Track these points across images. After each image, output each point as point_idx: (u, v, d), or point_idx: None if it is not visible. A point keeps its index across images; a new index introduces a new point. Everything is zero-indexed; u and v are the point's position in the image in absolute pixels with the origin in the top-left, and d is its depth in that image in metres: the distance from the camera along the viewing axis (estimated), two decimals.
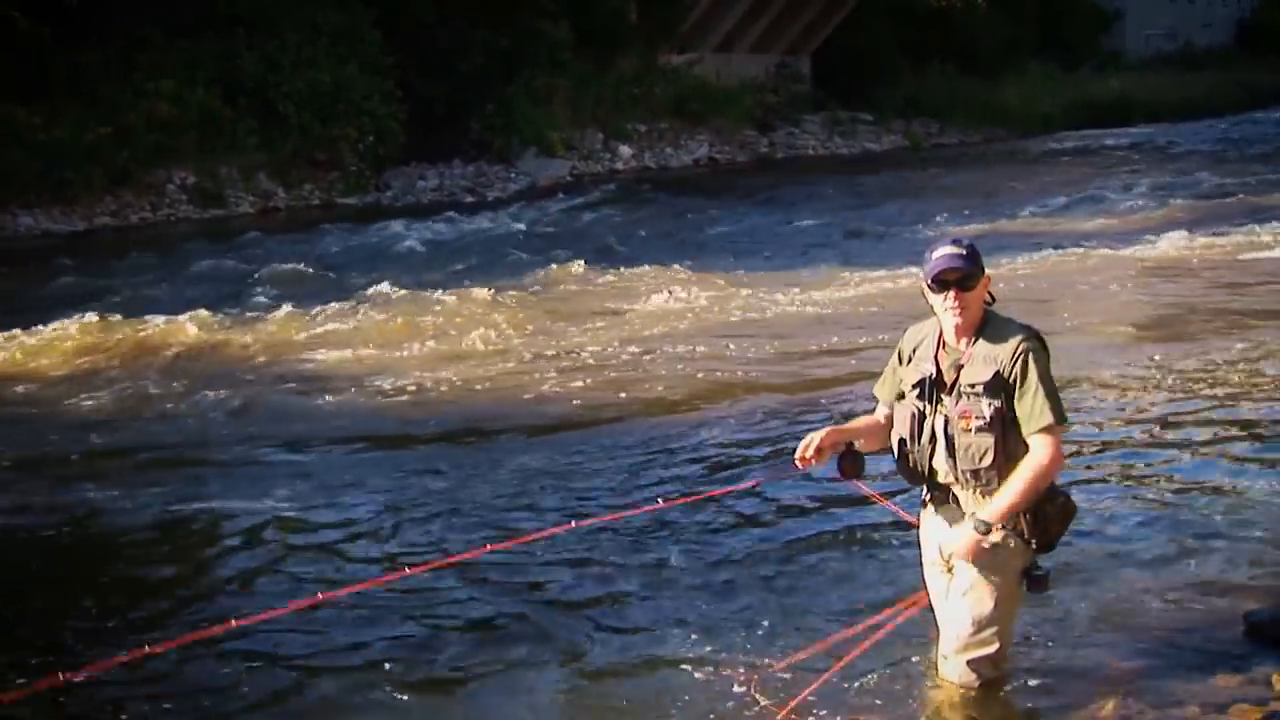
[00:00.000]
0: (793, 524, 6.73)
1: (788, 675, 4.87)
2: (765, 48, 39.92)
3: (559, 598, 5.93)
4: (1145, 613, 5.41)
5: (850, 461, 4.54)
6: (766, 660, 5.02)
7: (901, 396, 4.49)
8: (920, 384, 4.40)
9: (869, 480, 4.86)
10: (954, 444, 4.33)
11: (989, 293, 4.37)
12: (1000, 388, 4.24)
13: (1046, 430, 4.20)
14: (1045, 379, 4.22)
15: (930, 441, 4.39)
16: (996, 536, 4.29)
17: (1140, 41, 57.21)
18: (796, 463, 4.48)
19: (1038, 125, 40.19)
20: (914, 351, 4.48)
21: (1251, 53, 56.16)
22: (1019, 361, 4.22)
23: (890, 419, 4.57)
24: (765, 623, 5.44)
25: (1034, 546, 4.38)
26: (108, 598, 6.17)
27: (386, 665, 5.29)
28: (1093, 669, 4.88)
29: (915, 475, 4.48)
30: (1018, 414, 4.23)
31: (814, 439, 4.45)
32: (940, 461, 4.39)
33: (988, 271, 4.38)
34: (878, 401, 4.66)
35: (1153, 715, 4.49)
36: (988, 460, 4.28)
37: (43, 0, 23.60)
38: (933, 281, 4.31)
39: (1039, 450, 4.21)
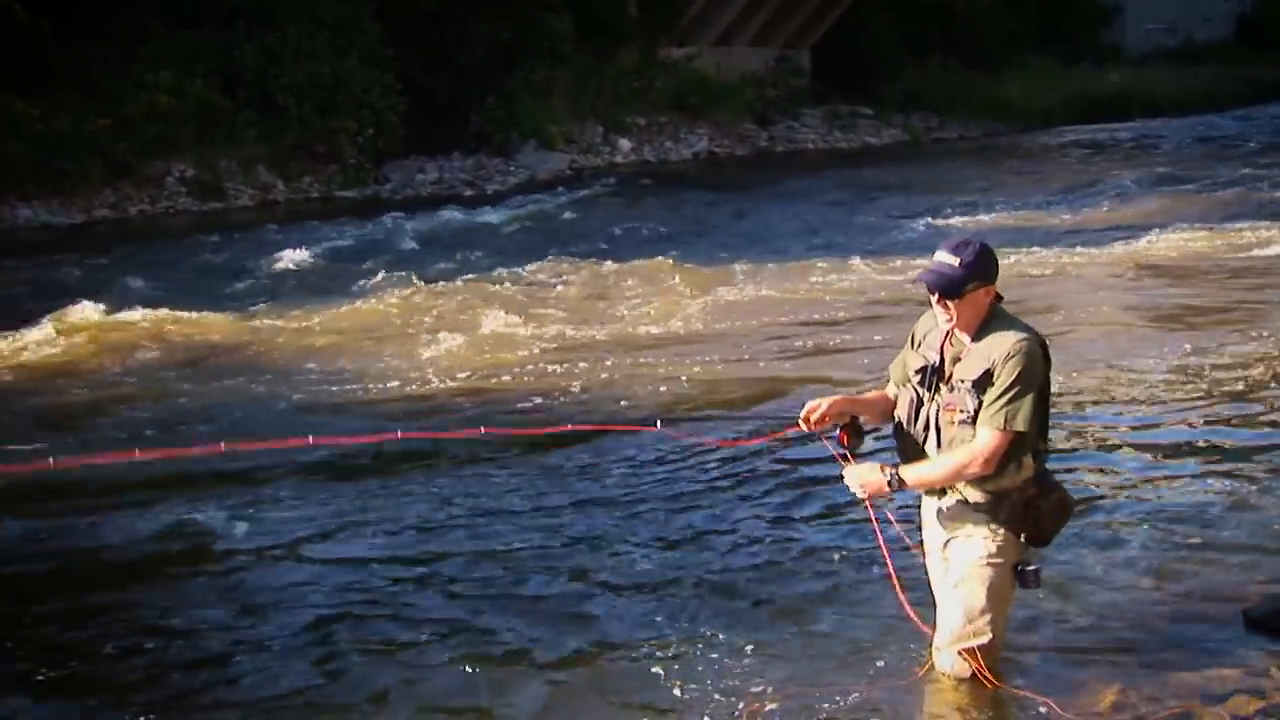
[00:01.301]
0: (794, 538, 6.67)
1: (779, 676, 4.88)
2: (765, 41, 39.87)
3: (538, 601, 5.92)
4: (1144, 607, 5.42)
5: (850, 432, 4.58)
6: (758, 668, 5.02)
7: (909, 379, 4.53)
8: (923, 371, 4.44)
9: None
10: (942, 436, 4.37)
11: (997, 291, 4.38)
12: (988, 385, 4.26)
13: (995, 431, 4.22)
14: (1022, 383, 4.22)
15: (924, 429, 4.43)
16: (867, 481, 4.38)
17: (1140, 36, 57.14)
18: (800, 424, 4.52)
19: (1037, 119, 40.13)
20: (924, 337, 4.52)
21: (1252, 47, 56.05)
22: (1008, 362, 4.23)
23: (898, 398, 4.61)
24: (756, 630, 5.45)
25: (1025, 540, 4.40)
26: (99, 606, 6.18)
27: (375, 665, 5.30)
28: (1092, 661, 4.89)
29: (909, 459, 4.52)
30: (982, 404, 4.25)
31: (821, 404, 4.51)
32: (932, 450, 4.43)
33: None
34: (890, 379, 4.69)
35: (1151, 707, 4.51)
36: None
37: None
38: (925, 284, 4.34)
39: (978, 443, 4.26)
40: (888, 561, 4.74)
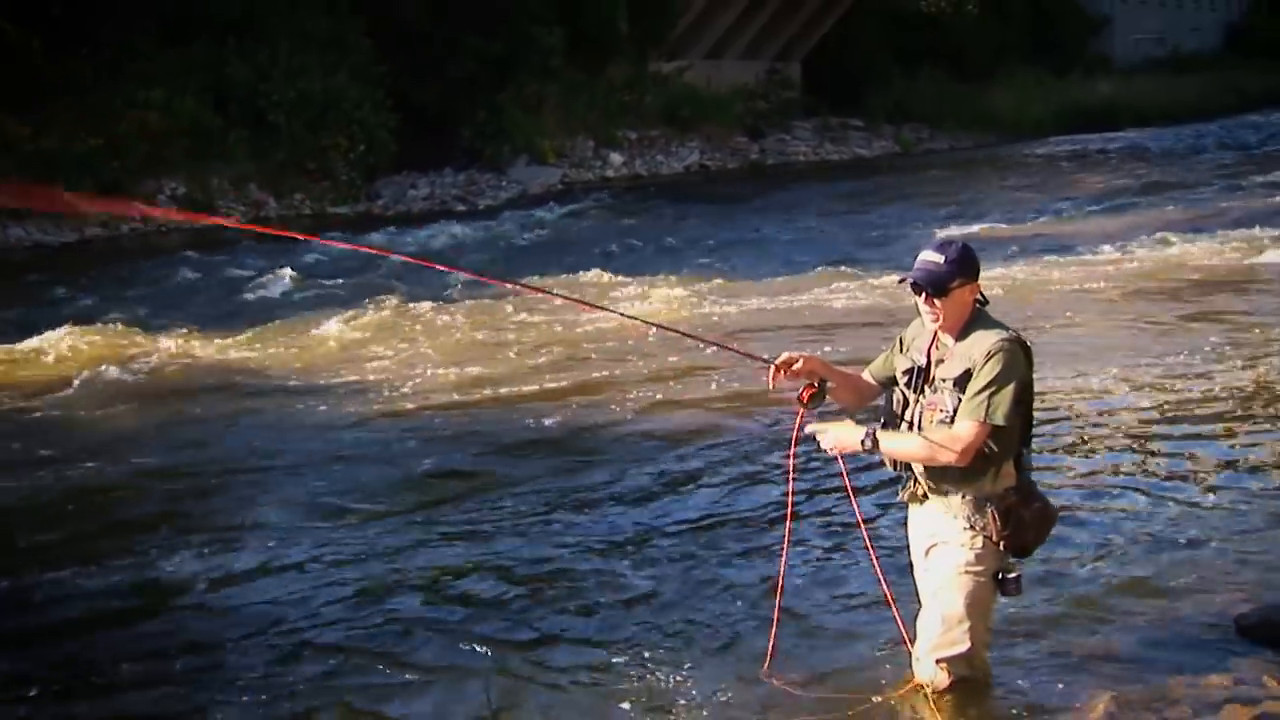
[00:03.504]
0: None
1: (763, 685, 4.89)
2: (756, 54, 39.98)
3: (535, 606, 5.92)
4: (1137, 614, 5.43)
5: (814, 392, 4.61)
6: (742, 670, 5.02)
7: (894, 381, 4.58)
8: (909, 372, 4.50)
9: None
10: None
11: (980, 294, 4.42)
12: (968, 383, 4.30)
13: (974, 421, 4.25)
14: (1001, 379, 4.25)
15: (909, 430, 4.48)
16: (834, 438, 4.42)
17: (1129, 46, 57.29)
18: (772, 369, 4.58)
19: (1028, 130, 40.29)
20: (912, 341, 4.57)
21: (1241, 56, 56.30)
22: (989, 359, 4.27)
23: (868, 385, 4.70)
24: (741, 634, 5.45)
25: (1004, 549, 4.41)
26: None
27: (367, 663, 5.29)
28: (1084, 670, 4.89)
29: (894, 463, 4.58)
30: (961, 399, 4.30)
31: (797, 357, 4.57)
32: None
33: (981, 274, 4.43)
34: (868, 368, 4.76)
35: (1144, 716, 4.51)
36: None
37: (32, 9, 23.57)
38: (911, 283, 4.37)
39: (957, 430, 4.29)
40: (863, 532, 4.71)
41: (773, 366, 4.58)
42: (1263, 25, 60.42)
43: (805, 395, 4.60)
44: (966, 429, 4.26)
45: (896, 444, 4.42)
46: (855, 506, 4.77)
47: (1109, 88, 46.34)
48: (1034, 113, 41.83)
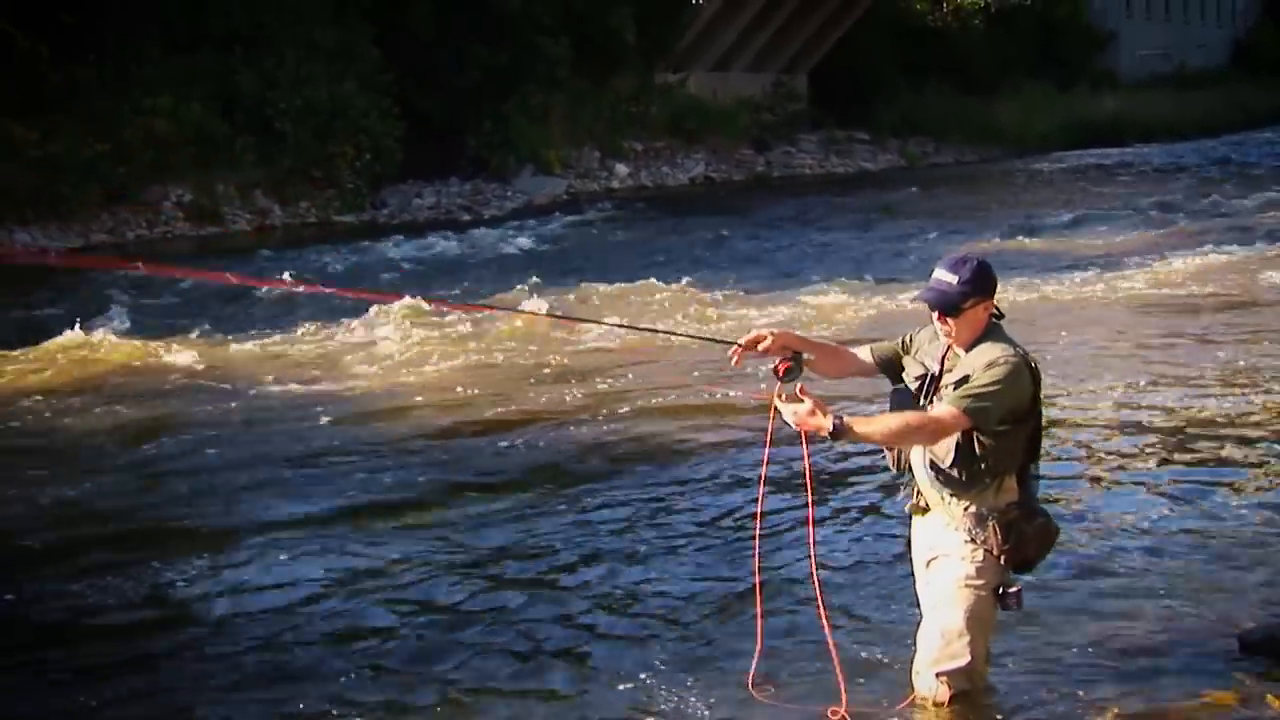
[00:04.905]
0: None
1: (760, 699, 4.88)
2: (762, 66, 40.01)
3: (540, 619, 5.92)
4: (1139, 631, 5.41)
5: (791, 365, 4.50)
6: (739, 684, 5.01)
7: (896, 372, 4.59)
8: (921, 379, 4.49)
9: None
10: None
11: (996, 309, 4.44)
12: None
13: (956, 409, 4.23)
14: (990, 384, 4.24)
15: None
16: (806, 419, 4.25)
17: (1135, 62, 57.25)
18: (733, 352, 4.50)
19: (1033, 144, 40.28)
20: (921, 346, 4.57)
21: (1248, 73, 56.34)
22: (990, 367, 4.28)
23: (852, 358, 4.67)
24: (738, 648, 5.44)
25: (1005, 563, 4.41)
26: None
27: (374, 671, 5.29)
28: (1086, 687, 4.88)
29: (897, 466, 4.59)
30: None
31: (765, 334, 4.50)
32: (917, 459, 4.47)
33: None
34: (870, 346, 4.72)
35: None
36: (949, 460, 4.34)
37: (39, 16, 23.64)
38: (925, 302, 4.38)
39: (933, 411, 4.28)
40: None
41: (737, 345, 4.51)
42: (1269, 42, 60.41)
43: (781, 369, 4.50)
44: (941, 411, 4.27)
45: (871, 426, 4.35)
46: (810, 508, 4.72)
47: (1115, 103, 46.31)
48: (1039, 127, 41.81)
